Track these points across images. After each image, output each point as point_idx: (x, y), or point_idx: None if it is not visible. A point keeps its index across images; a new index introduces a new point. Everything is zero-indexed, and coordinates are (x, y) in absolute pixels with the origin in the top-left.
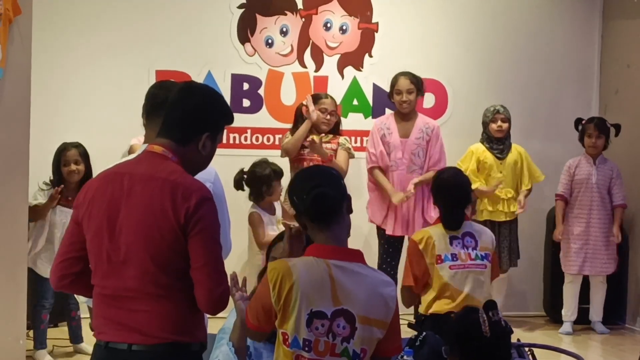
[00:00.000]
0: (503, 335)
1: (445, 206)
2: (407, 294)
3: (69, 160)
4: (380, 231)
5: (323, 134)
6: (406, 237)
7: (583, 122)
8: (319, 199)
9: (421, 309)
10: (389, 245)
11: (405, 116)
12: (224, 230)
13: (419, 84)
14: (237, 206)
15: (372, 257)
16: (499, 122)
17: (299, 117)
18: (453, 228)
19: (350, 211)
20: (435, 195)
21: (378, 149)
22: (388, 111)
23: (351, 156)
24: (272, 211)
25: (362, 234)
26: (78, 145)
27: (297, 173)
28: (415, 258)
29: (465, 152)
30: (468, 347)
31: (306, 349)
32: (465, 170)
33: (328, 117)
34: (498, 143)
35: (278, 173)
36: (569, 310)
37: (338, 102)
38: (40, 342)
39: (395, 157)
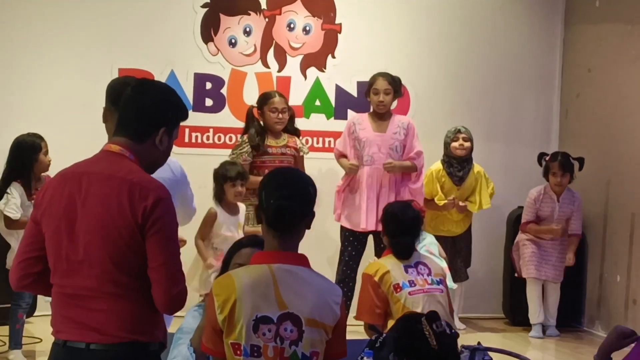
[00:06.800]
0: (450, 342)
1: (394, 236)
2: (371, 331)
3: (47, 150)
4: (345, 233)
5: (280, 137)
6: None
7: (546, 158)
8: (281, 212)
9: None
10: (352, 247)
11: (380, 116)
12: (188, 202)
13: (396, 85)
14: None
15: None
16: (461, 141)
17: (250, 119)
18: (404, 257)
19: (309, 227)
20: (384, 226)
21: (349, 148)
22: (351, 113)
23: (306, 154)
24: (234, 212)
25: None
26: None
27: (278, 170)
28: (371, 289)
29: (426, 174)
30: (415, 358)
31: (255, 354)
32: (433, 196)
33: (280, 116)
34: (458, 167)
35: (232, 177)
36: (535, 313)
37: (300, 103)
38: (15, 342)
39: (369, 152)
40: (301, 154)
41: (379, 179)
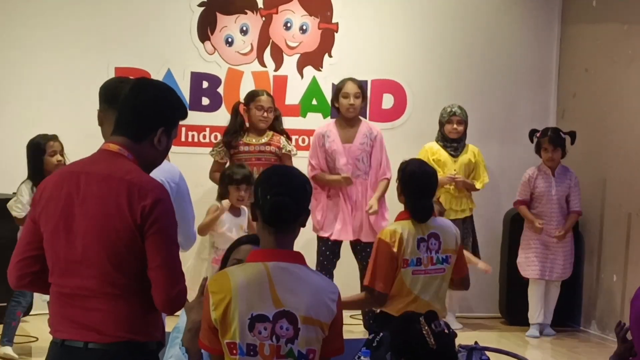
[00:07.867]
0: (448, 342)
1: (412, 197)
2: (370, 297)
3: (56, 151)
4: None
5: (264, 135)
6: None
7: (537, 134)
8: (278, 208)
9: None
10: (328, 250)
11: (348, 122)
12: (187, 224)
13: (364, 91)
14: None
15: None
16: (455, 124)
17: (235, 114)
18: (422, 219)
19: (304, 225)
20: (402, 187)
21: (321, 160)
22: None
23: (294, 154)
24: (237, 213)
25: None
26: (57, 138)
27: (274, 167)
28: (386, 260)
29: (420, 153)
30: (414, 358)
31: (251, 353)
32: None
33: (265, 114)
34: (452, 142)
35: (237, 180)
36: (536, 313)
37: (297, 102)
38: (8, 338)
39: (339, 164)
40: (284, 151)
41: (350, 190)
